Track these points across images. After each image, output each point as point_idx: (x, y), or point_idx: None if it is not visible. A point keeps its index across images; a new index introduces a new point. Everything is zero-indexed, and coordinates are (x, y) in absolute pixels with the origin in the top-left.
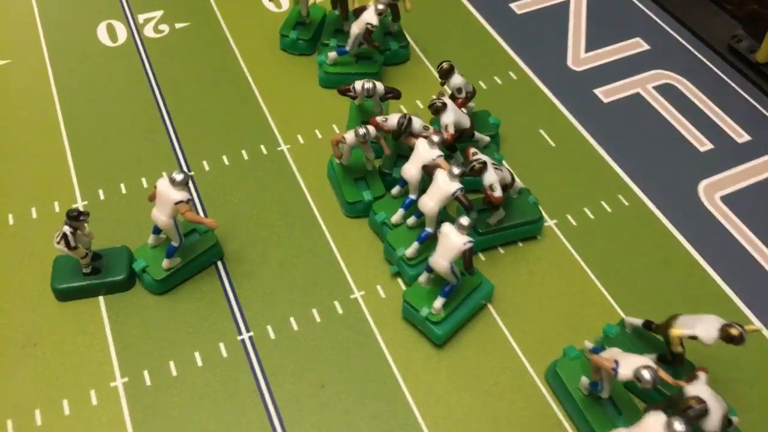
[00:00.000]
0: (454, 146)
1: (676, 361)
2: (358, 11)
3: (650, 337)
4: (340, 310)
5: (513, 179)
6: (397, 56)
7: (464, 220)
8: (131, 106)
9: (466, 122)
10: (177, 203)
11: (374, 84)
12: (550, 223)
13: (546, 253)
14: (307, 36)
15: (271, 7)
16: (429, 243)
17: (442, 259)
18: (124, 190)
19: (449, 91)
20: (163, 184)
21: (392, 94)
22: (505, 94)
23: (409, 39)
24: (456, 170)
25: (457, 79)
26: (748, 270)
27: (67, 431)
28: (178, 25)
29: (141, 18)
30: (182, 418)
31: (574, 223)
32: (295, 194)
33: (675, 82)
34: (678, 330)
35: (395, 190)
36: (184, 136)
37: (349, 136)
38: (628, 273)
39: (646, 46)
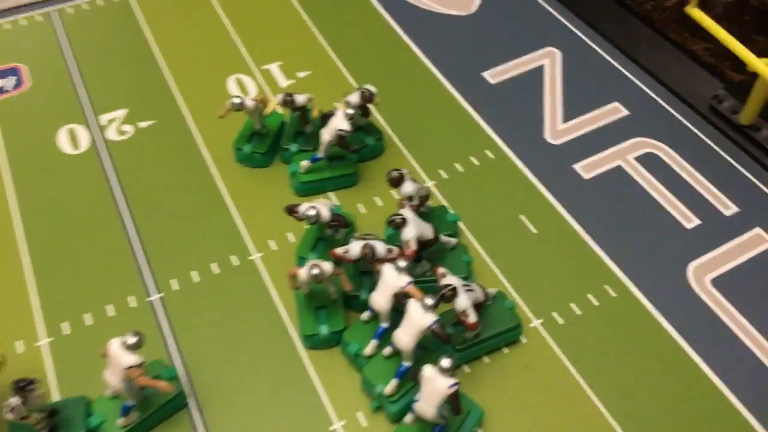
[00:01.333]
0: (420, 257)
1: None
2: (326, 116)
3: None
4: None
5: (486, 295)
6: (373, 150)
7: (446, 363)
8: (96, 222)
9: (428, 233)
10: (128, 368)
11: (317, 211)
12: (535, 323)
13: (533, 359)
14: (263, 149)
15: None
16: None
17: (428, 405)
18: (88, 321)
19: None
20: (114, 346)
21: (337, 223)
22: (482, 176)
23: (384, 125)
24: (429, 302)
25: (408, 187)
26: (741, 361)
27: None
28: (142, 125)
29: (104, 119)
30: None
31: (561, 322)
32: (268, 310)
33: (657, 150)
34: None
35: (365, 315)
36: (151, 252)
37: (302, 272)
38: (619, 377)
39: (625, 111)
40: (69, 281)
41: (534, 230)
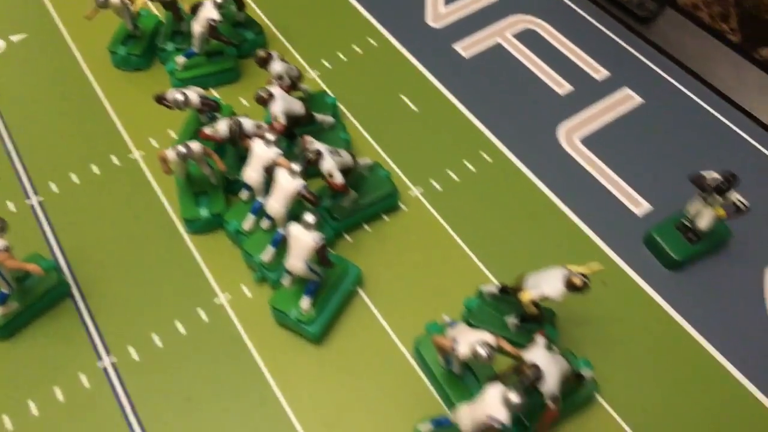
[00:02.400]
0: (294, 134)
1: (536, 319)
2: (196, 8)
3: (510, 299)
4: (205, 318)
5: (354, 161)
6: (254, 45)
7: (309, 218)
8: None
9: (298, 108)
10: None
11: (186, 96)
12: (415, 192)
13: (413, 223)
14: (139, 50)
15: None
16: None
17: (296, 261)
18: None
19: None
20: None
21: (208, 106)
22: (365, 63)
23: (264, 19)
24: (296, 167)
25: (276, 66)
26: (606, 209)
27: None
28: (14, 38)
29: None
30: None
31: (440, 189)
32: (152, 204)
33: (534, 26)
34: (527, 294)
35: (244, 194)
36: (27, 157)
37: (170, 153)
38: (495, 233)
39: None
40: None
41: (414, 108)
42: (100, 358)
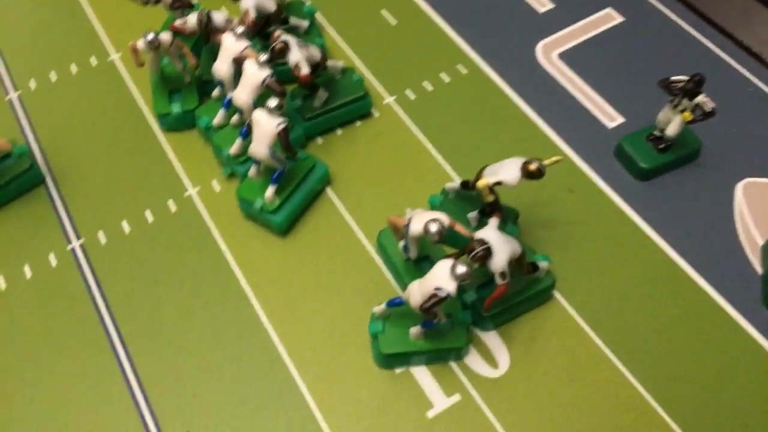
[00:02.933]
0: (267, 33)
1: (493, 210)
2: None
3: (471, 196)
4: (173, 209)
5: (324, 57)
6: None
7: (272, 102)
8: None
9: (270, 6)
10: None
11: None
12: (389, 100)
13: (384, 129)
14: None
15: None
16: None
17: (259, 145)
18: None
19: None
20: None
21: (180, 3)
22: None
23: None
24: (262, 57)
25: None
26: (579, 121)
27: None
28: None
29: None
30: (17, 331)
31: (413, 98)
32: (127, 103)
33: None
34: (483, 180)
35: (215, 92)
36: (9, 54)
37: (140, 43)
38: (465, 139)
39: None
40: None
41: (393, 21)
42: (69, 241)
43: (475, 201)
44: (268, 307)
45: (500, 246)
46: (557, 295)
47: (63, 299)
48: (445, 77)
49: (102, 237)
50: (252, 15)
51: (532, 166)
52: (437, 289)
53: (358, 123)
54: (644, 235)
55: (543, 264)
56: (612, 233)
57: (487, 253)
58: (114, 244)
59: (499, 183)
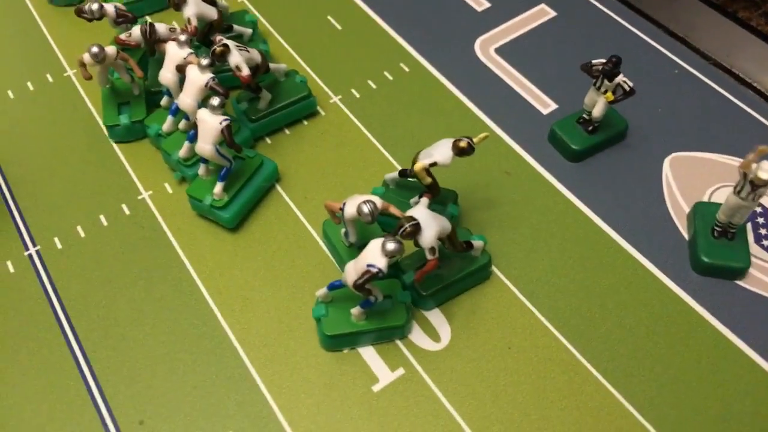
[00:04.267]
0: (209, 41)
1: (432, 193)
2: None
3: (412, 183)
4: (127, 212)
5: (265, 59)
6: None
7: (215, 101)
8: None
9: (211, 14)
10: None
11: (101, 6)
12: (334, 99)
13: (330, 126)
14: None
15: None
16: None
17: (204, 143)
18: None
19: None
20: None
21: (124, 18)
22: None
23: None
24: (204, 61)
25: None
26: (515, 109)
27: None
28: None
29: None
30: None
31: (358, 96)
32: (82, 116)
33: None
34: (419, 163)
35: (163, 100)
36: None
37: (86, 57)
38: (407, 132)
39: None
40: None
41: (339, 27)
42: (27, 248)
43: (416, 188)
44: (218, 298)
45: (429, 223)
46: (496, 271)
47: (20, 302)
48: (389, 75)
49: (58, 243)
50: (194, 23)
51: (462, 143)
52: (369, 266)
53: (305, 122)
54: (578, 211)
55: (478, 243)
56: (547, 211)
57: (416, 229)
58: (69, 248)
59: (434, 164)
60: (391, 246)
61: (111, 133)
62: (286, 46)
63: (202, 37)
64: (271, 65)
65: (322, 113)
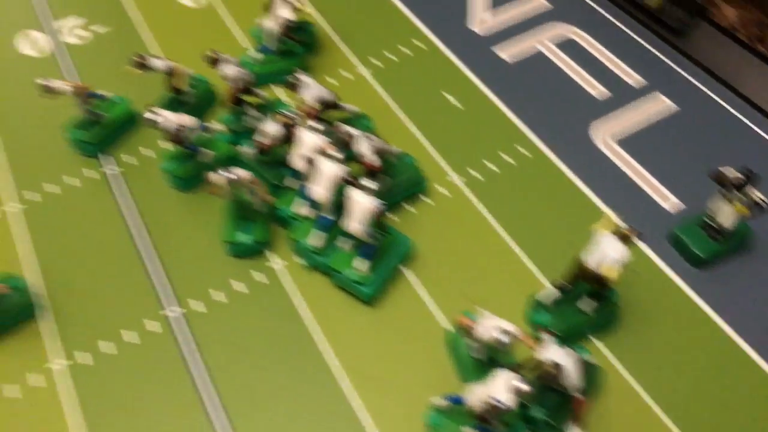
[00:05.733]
0: (321, 118)
1: (604, 288)
2: (268, 6)
3: (573, 291)
4: (266, 281)
5: (387, 145)
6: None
7: (369, 183)
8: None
9: (328, 95)
10: None
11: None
12: (455, 179)
13: (454, 207)
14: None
15: (187, 2)
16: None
17: (355, 222)
18: None
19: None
20: None
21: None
22: (412, 63)
23: (318, 18)
24: (336, 153)
25: (227, 70)
26: (636, 203)
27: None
28: (99, 30)
29: (59, 24)
30: (125, 397)
31: (481, 179)
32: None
33: (574, 36)
34: (611, 270)
35: (289, 181)
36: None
37: (218, 178)
38: (532, 222)
39: (548, 5)
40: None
41: (456, 104)
42: (163, 308)
43: (573, 296)
44: (352, 374)
45: (568, 362)
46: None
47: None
48: (508, 158)
49: (199, 305)
50: (314, 105)
51: (627, 232)
52: (496, 400)
53: (418, 201)
54: (704, 316)
55: (588, 357)
56: (674, 314)
57: (561, 373)
58: (212, 312)
59: (622, 264)
60: (522, 388)
61: (229, 249)
62: (404, 119)
63: (315, 117)
64: (385, 146)
65: (441, 191)
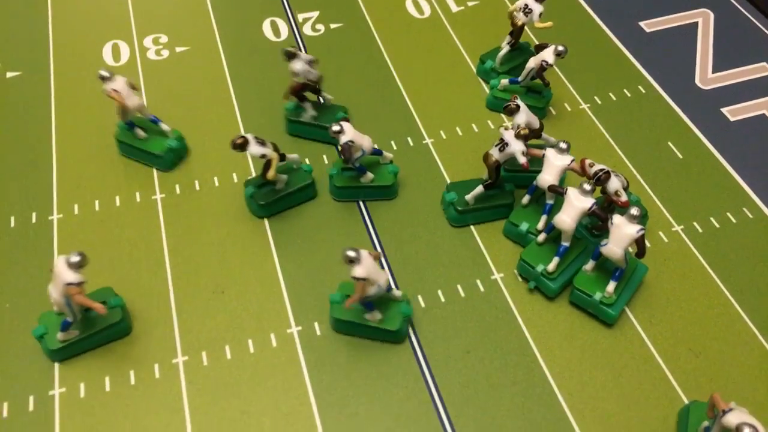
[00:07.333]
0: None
1: None
2: (539, 48)
3: None
4: (481, 288)
5: (627, 182)
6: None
7: (634, 211)
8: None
9: (535, 122)
10: (67, 285)
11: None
12: (677, 228)
13: (673, 254)
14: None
15: (414, 12)
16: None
17: (616, 247)
18: None
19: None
20: (60, 263)
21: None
22: (634, 107)
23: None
24: (587, 187)
25: (254, 149)
26: None
27: (251, 367)
28: (332, 26)
29: (300, 17)
30: (349, 366)
31: (700, 230)
32: (434, 175)
33: None
34: None
35: (525, 199)
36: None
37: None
38: (749, 279)
39: None
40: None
41: (679, 155)
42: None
43: None
44: (570, 401)
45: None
46: None
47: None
48: (731, 218)
49: (421, 301)
50: (525, 128)
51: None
52: None
53: (648, 244)
54: None
55: None
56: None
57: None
58: (433, 310)
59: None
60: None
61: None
62: (630, 166)
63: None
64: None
65: (665, 239)
